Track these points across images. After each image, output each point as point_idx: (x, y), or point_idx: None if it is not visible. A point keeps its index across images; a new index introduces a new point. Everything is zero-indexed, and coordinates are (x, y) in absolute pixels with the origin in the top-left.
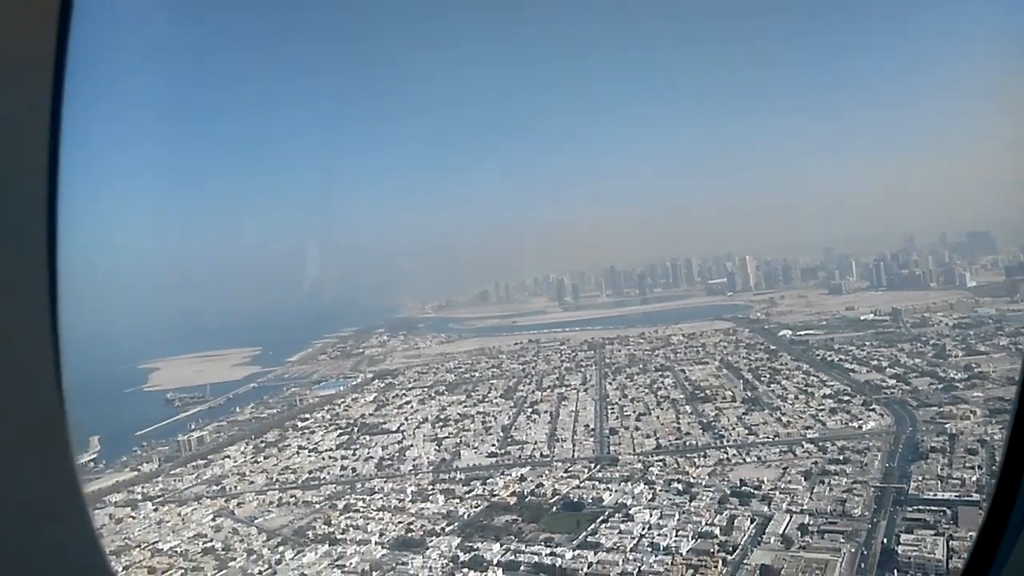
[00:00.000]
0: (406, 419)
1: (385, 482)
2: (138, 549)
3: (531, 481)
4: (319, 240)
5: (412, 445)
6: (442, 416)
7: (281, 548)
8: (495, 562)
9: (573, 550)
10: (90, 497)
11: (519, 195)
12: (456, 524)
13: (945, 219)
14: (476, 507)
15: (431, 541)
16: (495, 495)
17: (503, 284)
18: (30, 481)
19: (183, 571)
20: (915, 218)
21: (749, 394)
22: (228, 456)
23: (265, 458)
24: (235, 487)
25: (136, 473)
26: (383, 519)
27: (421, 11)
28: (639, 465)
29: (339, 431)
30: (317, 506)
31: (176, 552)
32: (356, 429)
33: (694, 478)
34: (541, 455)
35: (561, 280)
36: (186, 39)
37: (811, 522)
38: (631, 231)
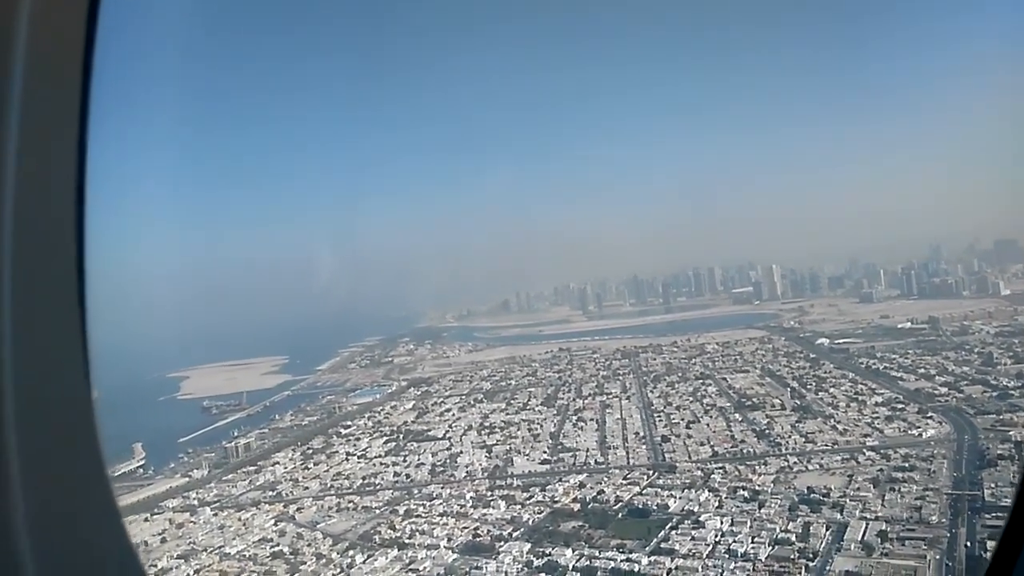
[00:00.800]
0: (450, 426)
1: (442, 488)
2: (205, 553)
3: (591, 488)
4: (337, 249)
5: (462, 452)
6: (486, 423)
7: (351, 552)
8: (571, 567)
9: (648, 556)
10: (145, 503)
11: (536, 204)
12: (522, 530)
13: (971, 227)
14: (539, 513)
15: (501, 546)
16: (557, 501)
17: (523, 293)
18: (63, 487)
19: (255, 575)
20: (940, 227)
21: (798, 402)
22: (277, 463)
23: (315, 464)
24: (291, 493)
25: (188, 479)
26: (447, 524)
27: (439, 20)
28: (699, 472)
29: (385, 438)
30: (377, 511)
31: (244, 556)
32: (402, 436)
33: (759, 485)
34: (596, 462)
35: (584, 289)
36: (210, 47)
37: (889, 529)
38: (651, 240)
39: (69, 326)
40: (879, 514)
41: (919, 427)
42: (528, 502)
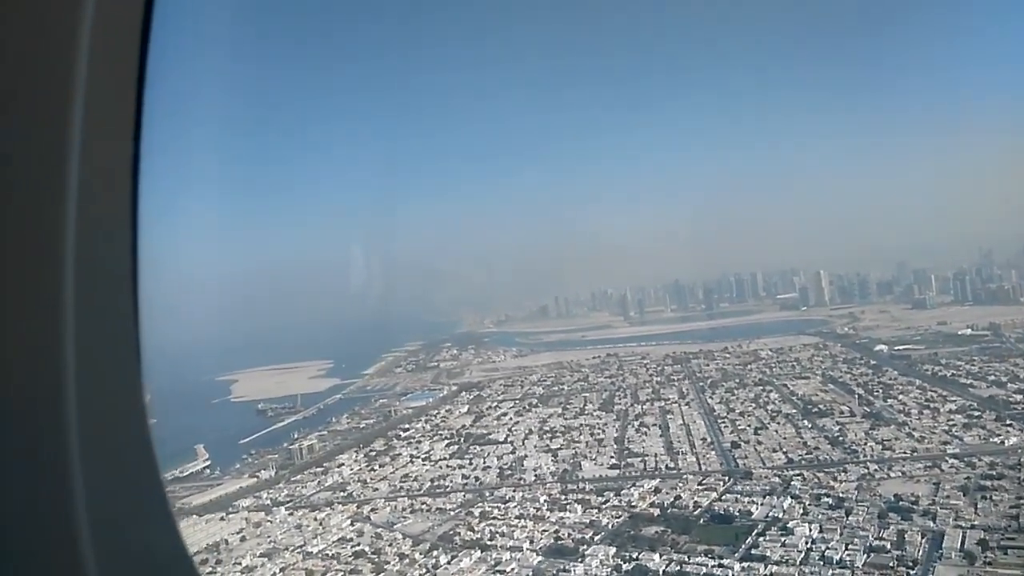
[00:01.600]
0: (509, 430)
1: (513, 491)
2: (288, 552)
3: (666, 493)
4: (372, 253)
5: (527, 456)
6: (546, 428)
7: (434, 553)
8: (661, 572)
9: (739, 562)
10: (218, 502)
11: (570, 209)
12: (603, 534)
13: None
14: (617, 518)
15: (585, 549)
16: (634, 506)
17: (561, 299)
18: (117, 489)
19: (342, 573)
20: (990, 230)
21: (867, 409)
22: (342, 464)
23: (380, 466)
24: (361, 494)
25: (256, 480)
26: (526, 527)
27: (474, 28)
28: (776, 479)
29: (446, 441)
30: (452, 513)
31: (327, 555)
32: (462, 439)
33: (842, 493)
34: (667, 467)
35: (623, 295)
36: (260, 54)
37: (988, 538)
38: (690, 245)
39: (125, 329)
40: (975, 523)
41: (1000, 435)
42: (604, 506)
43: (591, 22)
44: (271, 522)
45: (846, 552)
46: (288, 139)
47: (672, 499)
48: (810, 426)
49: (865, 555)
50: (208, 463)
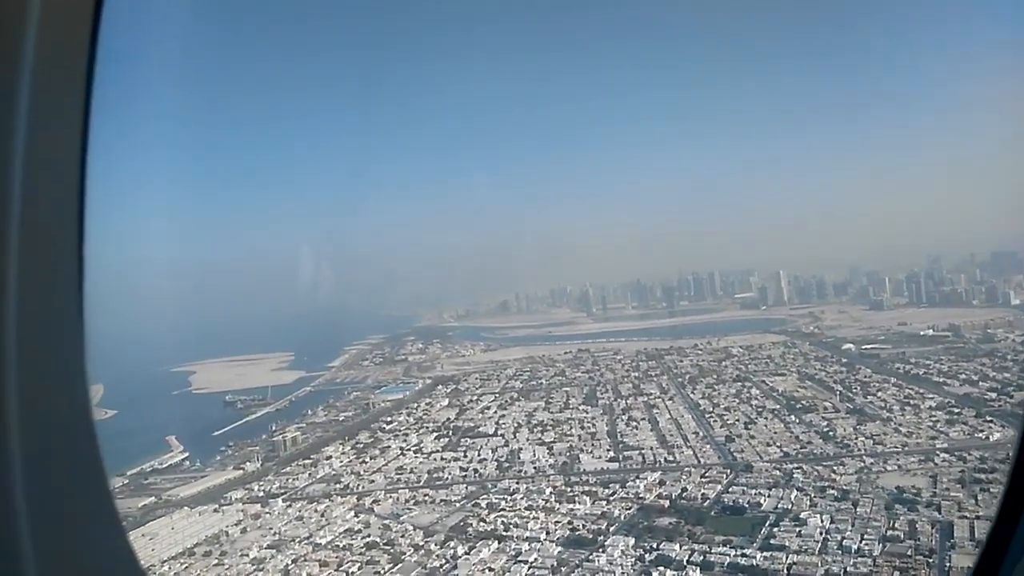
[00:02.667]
0: (497, 424)
1: (517, 483)
2: (296, 543)
3: (671, 485)
4: (328, 248)
5: (522, 449)
6: (534, 421)
7: (450, 544)
8: (685, 561)
9: (760, 552)
10: (207, 494)
11: (527, 207)
12: (617, 524)
13: (967, 238)
14: (628, 509)
15: (605, 540)
16: (642, 498)
17: (522, 295)
18: (62, 488)
19: (358, 564)
20: (936, 236)
21: (850, 405)
22: (330, 456)
23: (371, 459)
24: (358, 486)
25: (242, 472)
26: (538, 518)
27: (440, 24)
28: (777, 472)
29: (434, 434)
30: (458, 505)
31: (338, 546)
32: (451, 432)
33: (844, 485)
34: (665, 460)
35: (585, 292)
36: (214, 45)
37: None
38: (646, 244)
39: (70, 325)
40: (979, 513)
41: (983, 431)
42: (612, 498)
43: (553, 21)
44: (270, 514)
45: (863, 542)
46: (245, 133)
47: (679, 491)
48: (797, 421)
49: (881, 544)
50: (186, 455)
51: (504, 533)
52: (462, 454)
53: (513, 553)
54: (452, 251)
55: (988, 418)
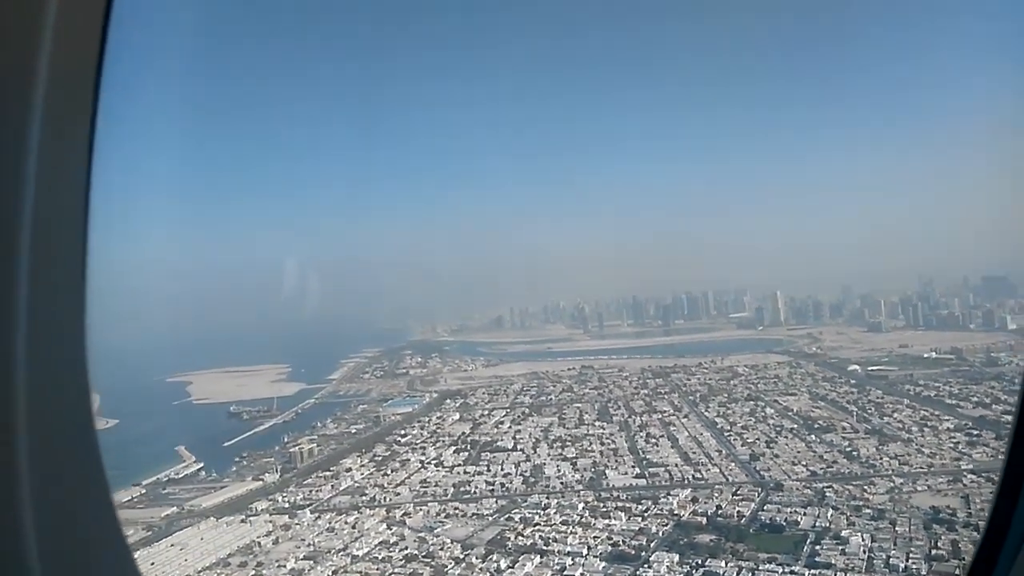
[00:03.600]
0: (514, 438)
1: (546, 498)
2: (332, 555)
3: (704, 503)
4: (314, 259)
5: (545, 464)
6: (551, 437)
7: (492, 557)
8: None
9: (808, 570)
10: (231, 504)
11: (517, 225)
12: (656, 540)
13: (956, 260)
14: (664, 525)
15: (649, 556)
16: (676, 514)
17: (516, 311)
18: (64, 496)
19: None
20: (924, 259)
21: (868, 426)
22: (349, 468)
23: (392, 471)
24: (384, 498)
25: (261, 482)
26: (576, 533)
27: (438, 41)
28: (808, 491)
29: (453, 448)
30: (490, 519)
31: (376, 558)
32: (469, 446)
33: (879, 504)
34: (694, 478)
35: (578, 308)
36: (223, 51)
37: None
38: (637, 263)
39: (73, 334)
40: None
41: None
42: (647, 514)
43: (548, 37)
44: (299, 525)
45: (909, 560)
46: (241, 145)
47: (713, 508)
48: (818, 441)
49: (927, 564)
50: (201, 465)
51: (544, 547)
52: (485, 468)
53: (558, 567)
54: (442, 265)
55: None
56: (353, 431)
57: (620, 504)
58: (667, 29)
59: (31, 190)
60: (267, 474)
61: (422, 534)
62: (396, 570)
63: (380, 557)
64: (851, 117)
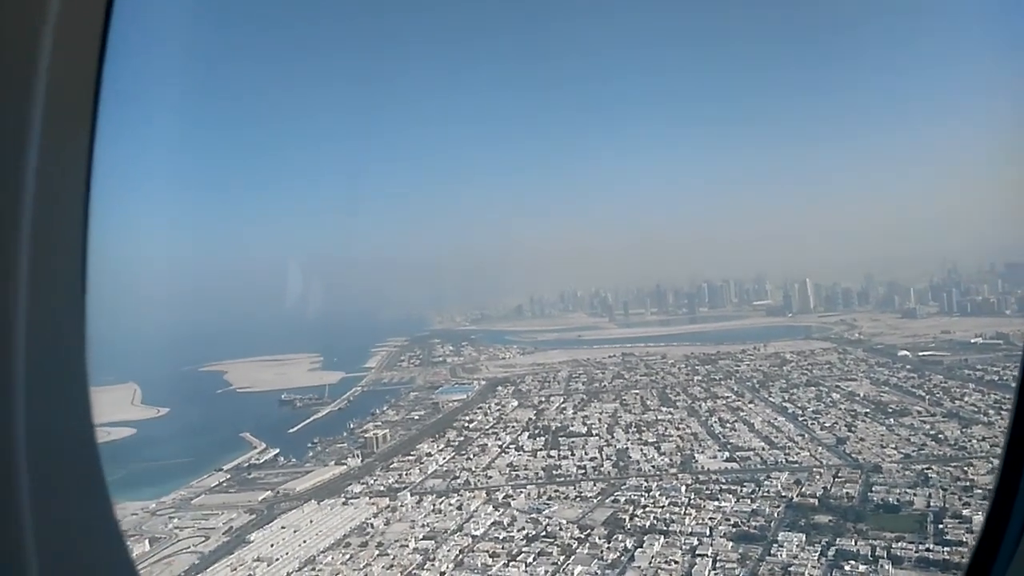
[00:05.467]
0: (584, 424)
1: (645, 480)
2: (450, 536)
3: (808, 485)
4: (324, 251)
5: (628, 448)
6: (620, 422)
7: (617, 537)
8: (869, 555)
9: (939, 547)
10: (325, 488)
11: (527, 211)
12: (775, 521)
13: (979, 247)
14: (776, 507)
15: (775, 536)
16: (784, 496)
17: (533, 299)
18: (63, 493)
19: (532, 555)
20: (948, 245)
21: (942, 409)
22: (430, 454)
23: (474, 456)
24: (477, 482)
25: (345, 467)
26: (690, 514)
27: (451, 24)
28: (909, 472)
29: (526, 433)
30: (595, 501)
31: (497, 538)
32: (541, 431)
33: (986, 484)
34: (788, 461)
35: (603, 296)
36: (224, 47)
37: None
38: (653, 251)
39: (73, 331)
40: None
41: None
42: (755, 496)
43: (572, 20)
44: (403, 507)
45: None
46: (250, 135)
47: (820, 490)
48: (898, 425)
49: None
50: (276, 451)
51: (667, 529)
52: (568, 452)
53: (687, 547)
54: (450, 256)
55: None
56: (416, 417)
57: (722, 487)
58: (682, 14)
59: (31, 191)
60: (349, 459)
61: (530, 515)
62: (526, 549)
63: (500, 537)
64: (866, 103)
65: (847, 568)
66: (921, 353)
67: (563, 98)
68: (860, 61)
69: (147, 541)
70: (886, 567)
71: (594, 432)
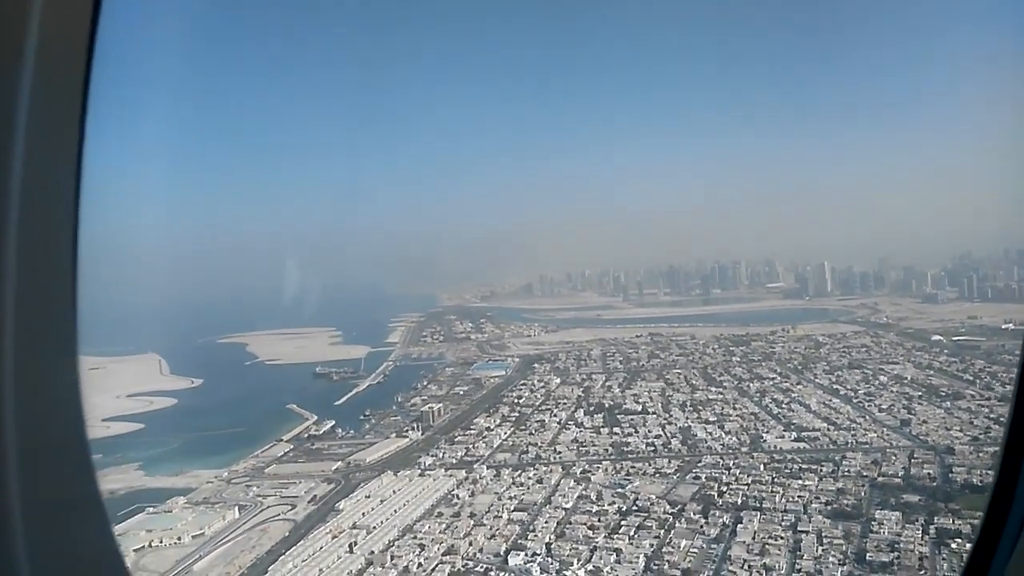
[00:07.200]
0: (635, 401)
1: (719, 458)
2: (541, 508)
3: (886, 466)
4: (327, 228)
5: (690, 427)
6: (673, 401)
7: (714, 513)
8: (970, 535)
9: None
10: (393, 460)
11: (534, 193)
12: (863, 501)
13: (993, 233)
14: (860, 485)
15: (869, 513)
16: (866, 475)
17: (546, 278)
18: (52, 480)
19: (632, 528)
20: (961, 231)
21: (995, 393)
22: (490, 428)
23: (535, 432)
24: (548, 456)
25: (408, 440)
26: (776, 492)
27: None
28: (983, 453)
29: (580, 410)
30: (675, 477)
31: (589, 512)
32: (595, 409)
33: None
34: (858, 442)
35: (618, 277)
36: (216, 35)
37: None
38: (661, 232)
39: (64, 322)
40: None
41: None
42: (833, 476)
43: (585, 8)
44: (481, 479)
45: None
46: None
47: (900, 470)
48: (956, 408)
49: None
50: (333, 423)
51: (762, 505)
52: (632, 430)
53: (786, 523)
54: (454, 233)
55: None
56: (460, 392)
57: (800, 466)
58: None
59: (17, 183)
60: (410, 431)
61: (612, 490)
62: (624, 522)
63: (592, 511)
64: (876, 88)
65: (954, 546)
66: (955, 338)
67: (573, 81)
68: (876, 45)
69: (236, 508)
70: None
71: (650, 410)
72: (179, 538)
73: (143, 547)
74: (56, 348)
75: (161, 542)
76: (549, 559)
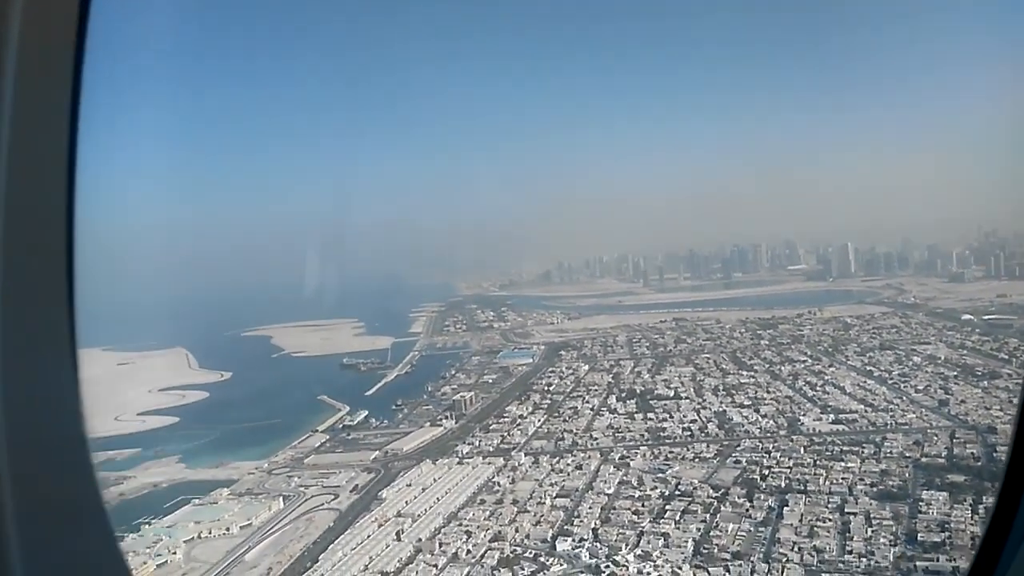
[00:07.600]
0: (667, 387)
1: (758, 442)
2: (583, 494)
3: (929, 447)
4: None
5: (725, 411)
6: (705, 385)
7: (759, 496)
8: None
9: None
10: (430, 448)
11: (547, 181)
12: (909, 481)
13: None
14: (904, 467)
15: (916, 493)
16: (908, 457)
17: (565, 265)
18: (50, 479)
19: (678, 513)
20: (984, 211)
21: None
22: (523, 416)
23: (569, 419)
24: (584, 443)
25: (443, 429)
26: (819, 475)
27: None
28: None
29: (613, 396)
30: (715, 461)
31: (632, 497)
32: (627, 395)
33: None
34: (898, 423)
35: (638, 263)
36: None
37: None
38: (687, 216)
39: (56, 317)
40: None
41: None
42: (878, 457)
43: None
44: (520, 466)
45: None
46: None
47: (943, 451)
48: (994, 387)
49: None
50: (366, 413)
51: (804, 488)
52: (667, 415)
53: (832, 506)
54: (470, 221)
55: None
56: (489, 381)
57: (840, 448)
58: None
59: (4, 180)
60: (444, 420)
61: (651, 475)
62: (668, 507)
63: (635, 496)
64: (896, 65)
65: None
66: (986, 317)
67: (588, 66)
68: (900, 17)
69: (280, 499)
70: None
71: (682, 395)
72: (228, 528)
73: (193, 538)
74: (49, 345)
75: (211, 533)
76: (597, 544)
